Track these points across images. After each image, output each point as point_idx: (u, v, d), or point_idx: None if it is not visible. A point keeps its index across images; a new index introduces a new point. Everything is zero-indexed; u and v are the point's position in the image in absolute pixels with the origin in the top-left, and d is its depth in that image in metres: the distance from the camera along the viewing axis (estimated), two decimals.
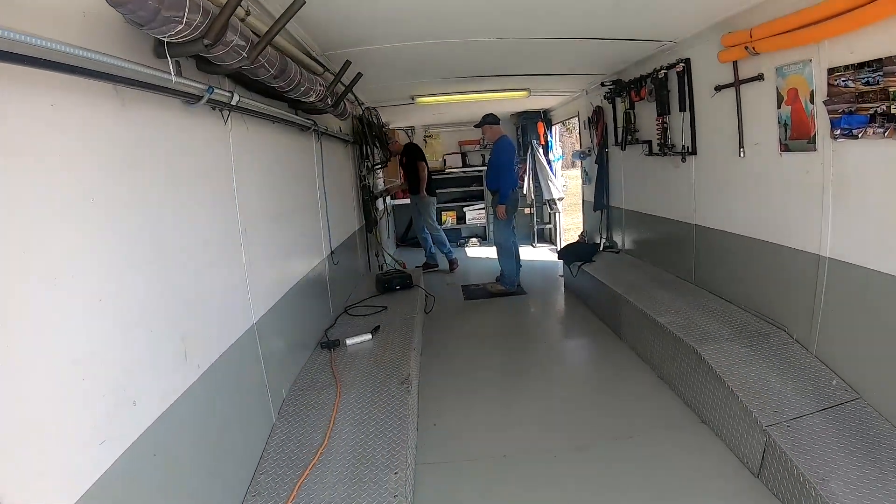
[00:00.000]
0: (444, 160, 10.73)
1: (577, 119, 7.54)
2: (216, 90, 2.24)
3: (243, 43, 2.06)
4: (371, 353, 3.81)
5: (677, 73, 4.36)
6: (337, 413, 2.98)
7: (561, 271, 6.70)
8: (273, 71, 2.54)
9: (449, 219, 10.69)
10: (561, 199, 8.95)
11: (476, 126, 6.61)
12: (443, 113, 8.71)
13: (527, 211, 9.71)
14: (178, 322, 1.96)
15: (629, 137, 5.42)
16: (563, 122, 9.24)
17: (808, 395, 2.85)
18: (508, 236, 6.40)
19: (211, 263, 2.32)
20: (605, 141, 6.29)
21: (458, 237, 10.65)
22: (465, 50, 4.42)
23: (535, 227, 9.71)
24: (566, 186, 9.36)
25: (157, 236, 1.88)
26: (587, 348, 4.86)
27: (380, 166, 6.48)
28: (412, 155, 7.84)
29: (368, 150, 6.21)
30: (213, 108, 2.43)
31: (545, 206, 9.44)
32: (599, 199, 6.49)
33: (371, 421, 2.88)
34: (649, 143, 5.09)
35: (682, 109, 4.39)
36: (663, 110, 4.66)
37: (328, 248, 4.40)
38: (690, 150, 4.40)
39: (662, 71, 4.57)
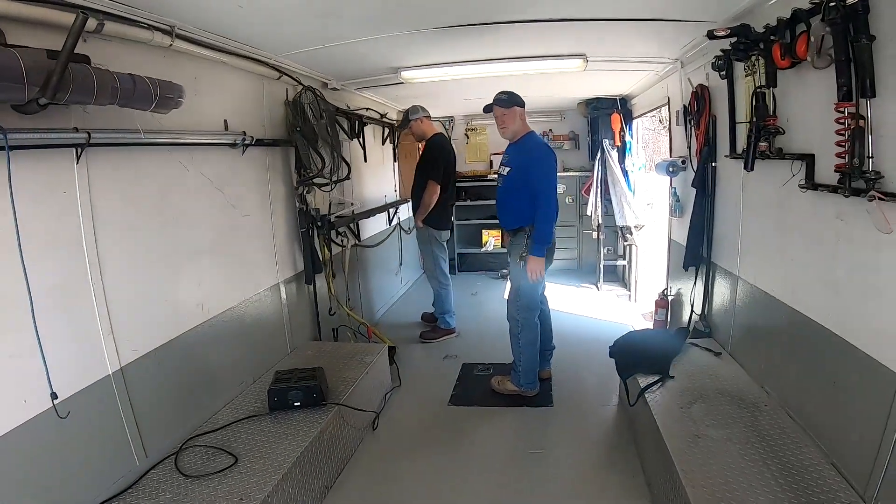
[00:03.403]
0: (492, 161, 8.22)
1: (666, 109, 4.72)
2: None
3: None
4: None
5: None
6: None
7: None
8: None
9: (492, 239, 8.13)
10: (640, 227, 6.14)
11: (487, 110, 3.87)
12: (476, 99, 6.14)
13: (594, 236, 6.95)
14: None
15: (764, 144, 2.65)
16: (654, 114, 6.35)
17: None
18: (533, 307, 3.79)
19: None
20: (710, 147, 3.52)
21: (503, 265, 7.99)
22: None
23: (603, 262, 6.88)
24: (651, 206, 6.53)
25: None
26: None
27: (326, 181, 3.99)
28: (426, 161, 5.07)
29: (308, 153, 3.81)
30: None
31: (617, 234, 6.66)
32: (694, 249, 3.73)
33: None
34: (809, 160, 2.36)
35: None
36: (857, 88, 1.92)
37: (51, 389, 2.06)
38: None
39: None
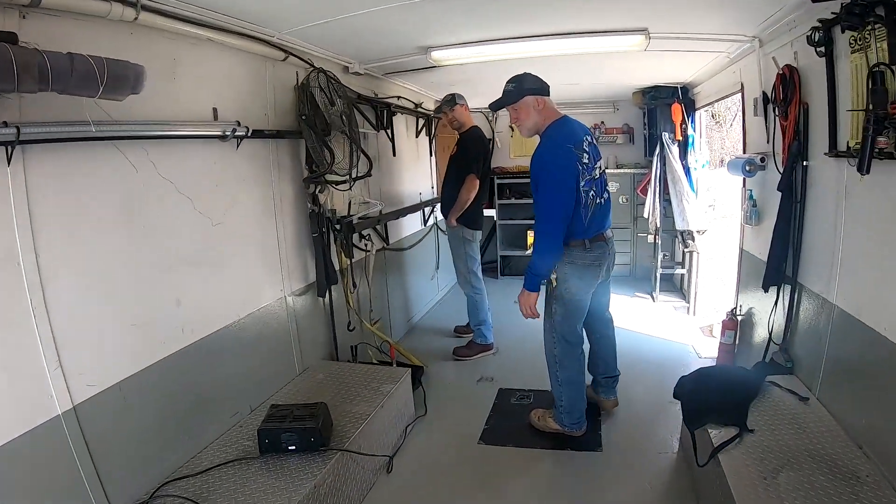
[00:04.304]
0: None
1: (739, 97, 4.03)
2: None
3: None
4: None
5: None
6: None
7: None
8: None
9: None
10: (702, 231, 5.45)
11: (495, 107, 3.11)
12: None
13: (650, 239, 6.27)
14: None
15: (884, 140, 2.01)
16: (707, 108, 5.62)
17: None
18: (573, 340, 3.18)
19: None
20: (801, 142, 2.86)
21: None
22: None
23: (660, 271, 6.17)
24: (713, 207, 5.82)
25: None
26: None
27: (342, 178, 3.51)
28: (464, 153, 4.54)
29: (318, 145, 3.34)
30: None
31: (676, 238, 5.96)
32: (775, 266, 3.08)
33: None
34: None
35: None
36: None
37: None
38: None
39: None
